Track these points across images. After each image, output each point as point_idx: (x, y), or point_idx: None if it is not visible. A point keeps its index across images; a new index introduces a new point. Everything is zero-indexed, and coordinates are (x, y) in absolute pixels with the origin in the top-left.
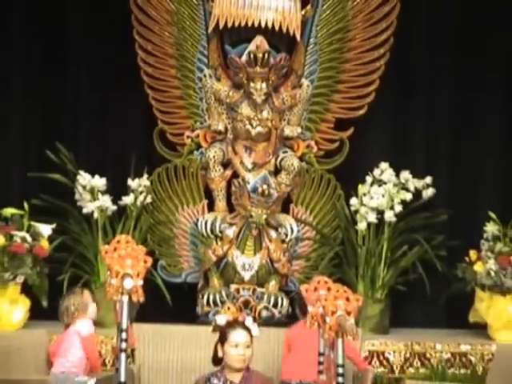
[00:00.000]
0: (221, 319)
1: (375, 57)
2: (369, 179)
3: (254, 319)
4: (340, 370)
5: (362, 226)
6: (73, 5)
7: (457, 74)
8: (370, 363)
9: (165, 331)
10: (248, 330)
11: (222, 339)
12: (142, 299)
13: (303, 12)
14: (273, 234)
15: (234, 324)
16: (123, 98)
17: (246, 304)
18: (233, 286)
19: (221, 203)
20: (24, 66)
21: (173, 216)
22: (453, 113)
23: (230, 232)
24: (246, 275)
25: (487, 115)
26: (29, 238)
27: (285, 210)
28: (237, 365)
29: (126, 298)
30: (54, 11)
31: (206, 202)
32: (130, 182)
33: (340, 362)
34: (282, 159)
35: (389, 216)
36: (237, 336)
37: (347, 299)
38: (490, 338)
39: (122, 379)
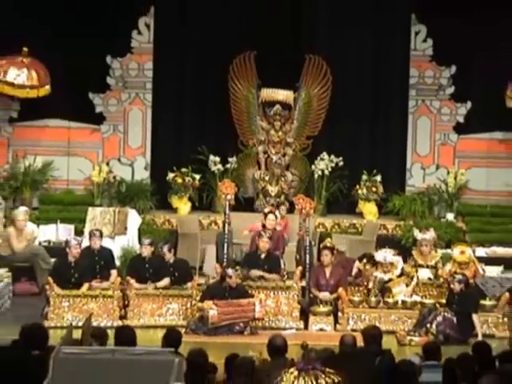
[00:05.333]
0: (266, 209)
1: (322, 112)
2: (318, 158)
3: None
4: (307, 230)
5: (316, 176)
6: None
7: (358, 108)
8: (318, 227)
9: (242, 215)
10: (275, 214)
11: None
12: (233, 202)
13: (294, 95)
14: (283, 178)
15: (268, 211)
16: (226, 126)
17: (273, 205)
18: (267, 196)
19: (263, 166)
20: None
21: (244, 172)
22: (352, 135)
23: (267, 177)
24: (273, 194)
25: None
26: (190, 179)
27: (287, 169)
28: (269, 227)
29: (227, 202)
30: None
31: (257, 166)
32: (229, 159)
33: (307, 226)
34: (286, 150)
35: (326, 172)
36: (268, 212)
37: (310, 203)
38: (363, 217)
39: (226, 231)
